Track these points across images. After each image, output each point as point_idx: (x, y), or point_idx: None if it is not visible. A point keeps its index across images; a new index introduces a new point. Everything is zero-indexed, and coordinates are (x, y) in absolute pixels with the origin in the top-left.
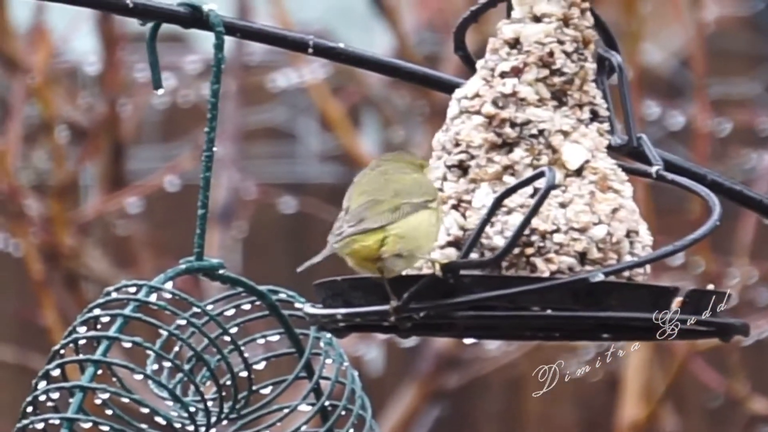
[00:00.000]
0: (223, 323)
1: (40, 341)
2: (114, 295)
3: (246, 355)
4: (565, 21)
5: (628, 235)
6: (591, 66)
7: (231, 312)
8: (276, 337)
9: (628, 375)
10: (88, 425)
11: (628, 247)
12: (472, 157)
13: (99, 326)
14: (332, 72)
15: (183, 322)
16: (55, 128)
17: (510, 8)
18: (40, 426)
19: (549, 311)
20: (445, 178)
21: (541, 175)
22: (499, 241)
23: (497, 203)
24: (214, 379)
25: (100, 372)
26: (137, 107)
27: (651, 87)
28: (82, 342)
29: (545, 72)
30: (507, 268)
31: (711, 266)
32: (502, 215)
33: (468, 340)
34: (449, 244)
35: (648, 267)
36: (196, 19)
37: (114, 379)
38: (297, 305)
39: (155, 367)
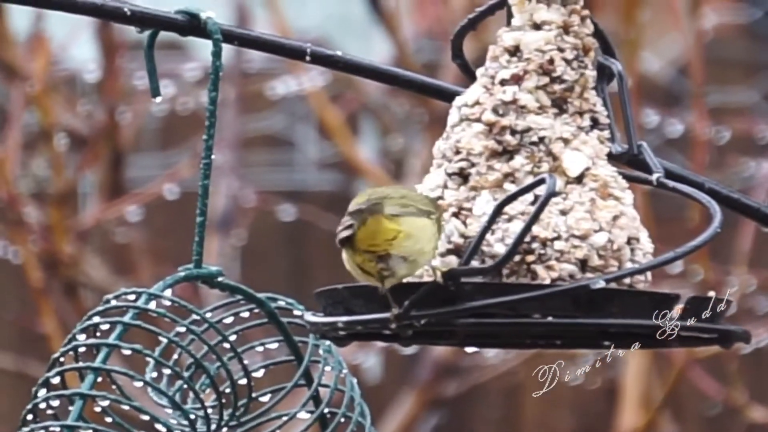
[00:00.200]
0: (222, 330)
1: (39, 348)
2: (113, 302)
3: (245, 362)
4: (566, 29)
5: (629, 242)
6: (591, 73)
7: (230, 320)
8: (275, 345)
9: (627, 382)
10: None
11: (629, 254)
12: (473, 165)
13: (98, 334)
14: (331, 80)
15: (182, 329)
16: (55, 136)
17: (510, 16)
18: None
19: (550, 318)
20: (445, 186)
21: (541, 182)
22: (500, 249)
23: (498, 211)
24: (214, 386)
25: (99, 379)
26: (136, 115)
27: (649, 95)
28: (81, 349)
29: (545, 80)
30: (508, 275)
31: (710, 274)
32: (503, 223)
33: (469, 349)
34: (450, 251)
35: (649, 274)
36: (194, 26)
37: (114, 387)
38: (297, 313)
39: (154, 374)
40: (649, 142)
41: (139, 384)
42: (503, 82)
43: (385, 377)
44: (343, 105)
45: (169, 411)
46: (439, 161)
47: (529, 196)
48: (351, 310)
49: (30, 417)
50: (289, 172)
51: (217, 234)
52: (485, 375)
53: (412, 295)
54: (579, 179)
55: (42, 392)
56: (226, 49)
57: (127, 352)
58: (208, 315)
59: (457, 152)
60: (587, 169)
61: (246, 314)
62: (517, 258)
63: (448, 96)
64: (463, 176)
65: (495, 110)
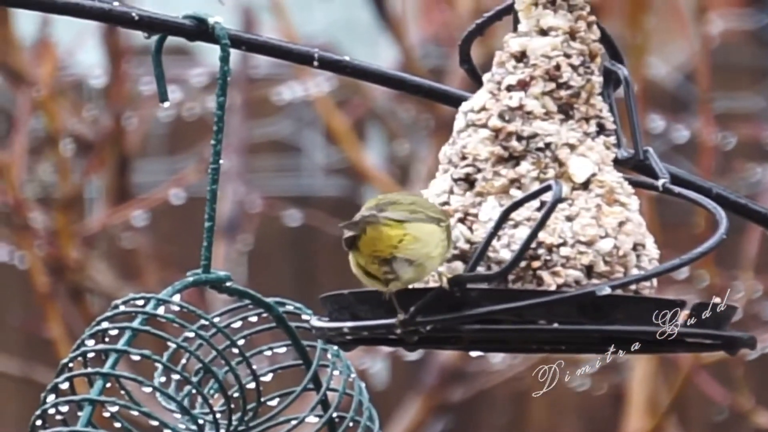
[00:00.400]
0: (230, 335)
1: (45, 354)
2: (122, 308)
3: (254, 367)
4: (572, 34)
5: (634, 248)
6: (597, 79)
7: (238, 324)
8: (283, 349)
9: (633, 388)
10: None
11: (635, 260)
12: (479, 171)
13: (107, 339)
14: (337, 85)
15: (191, 334)
16: (61, 141)
17: (516, 21)
18: None
19: (556, 325)
20: (451, 192)
21: (547, 188)
22: (506, 255)
23: (504, 217)
24: (223, 391)
25: (108, 385)
26: (143, 120)
27: (656, 101)
28: (90, 355)
29: (552, 85)
30: (514, 281)
31: (716, 280)
32: (509, 228)
33: (474, 353)
34: (456, 257)
35: (654, 280)
36: (202, 31)
37: (123, 392)
38: (305, 318)
39: (163, 379)
40: (656, 148)
41: (148, 389)
42: (510, 88)
43: (391, 382)
44: (350, 110)
45: (178, 416)
46: (445, 166)
47: (535, 202)
48: (357, 316)
49: (39, 422)
50: (295, 177)
51: (224, 239)
52: (492, 380)
53: (418, 300)
54: (585, 185)
55: (51, 398)
56: (233, 54)
57: (136, 358)
58: (216, 320)
59: (464, 158)
60: (593, 175)
61: (254, 319)
62: (522, 264)
63: (455, 101)
64: (469, 182)
65: (501, 116)
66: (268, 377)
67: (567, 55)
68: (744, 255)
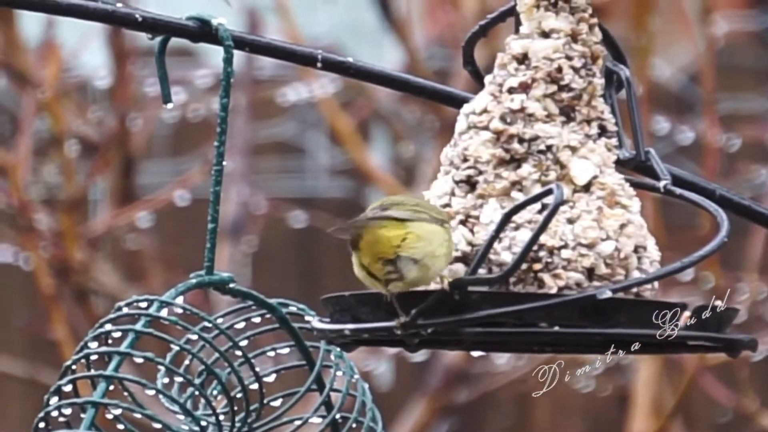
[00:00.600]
0: (233, 336)
1: (50, 355)
2: (125, 310)
3: (257, 368)
4: (574, 36)
5: (636, 250)
6: (599, 81)
7: (241, 325)
8: (286, 350)
9: (638, 389)
10: None
11: (636, 262)
12: (480, 173)
13: (110, 341)
14: (342, 87)
15: (194, 336)
16: (66, 142)
17: (518, 23)
18: None
19: (557, 328)
20: (452, 194)
21: (549, 192)
22: (507, 257)
23: (506, 220)
24: (225, 392)
25: (111, 387)
26: (147, 121)
27: (660, 102)
28: (93, 357)
29: (553, 88)
30: (515, 283)
31: (720, 282)
32: (510, 231)
33: (476, 353)
34: (457, 259)
35: (656, 283)
36: (205, 33)
37: (126, 394)
38: (308, 319)
39: (166, 380)
40: (660, 150)
41: (152, 392)
42: (511, 90)
43: (396, 384)
44: (354, 112)
45: (181, 418)
46: (447, 168)
47: (536, 204)
48: (358, 318)
49: (42, 425)
50: (300, 178)
51: (228, 240)
52: (496, 382)
53: (419, 303)
54: (586, 187)
55: (54, 400)
56: (237, 55)
57: (139, 360)
58: (219, 321)
59: (465, 160)
60: (595, 177)
61: (257, 320)
62: (524, 266)
63: (459, 103)
64: (470, 184)
65: (503, 118)
66: (272, 378)
67: (569, 58)
68: (749, 256)
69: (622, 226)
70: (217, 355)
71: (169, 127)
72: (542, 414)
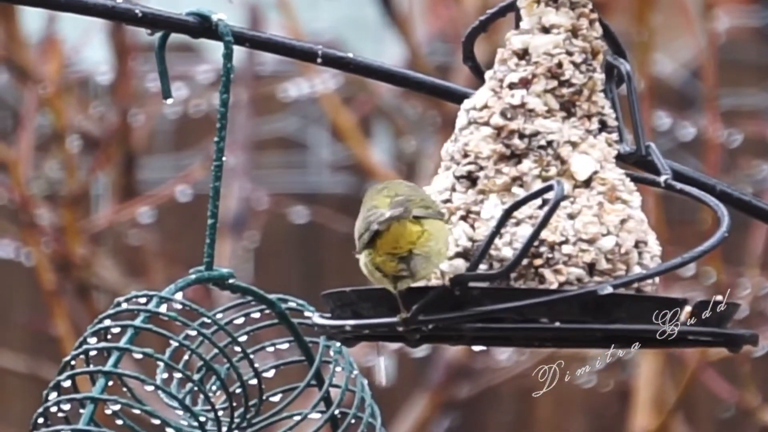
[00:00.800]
0: (232, 332)
1: (51, 351)
2: (124, 305)
3: (256, 364)
4: (574, 32)
5: (636, 245)
6: (599, 76)
7: (240, 320)
8: (285, 346)
9: (640, 385)
10: None
11: (637, 257)
12: (481, 168)
13: (109, 337)
14: (343, 82)
15: (193, 332)
16: (67, 138)
17: (519, 19)
18: None
19: (557, 323)
20: (453, 189)
21: (549, 188)
22: (508, 253)
23: (506, 215)
24: (224, 388)
25: (111, 383)
26: (149, 117)
27: (662, 98)
28: (92, 353)
29: (554, 83)
30: (516, 279)
31: (722, 277)
32: (511, 226)
33: (477, 348)
34: (458, 255)
35: (657, 278)
36: (205, 28)
37: (125, 390)
38: (308, 314)
39: (165, 375)
40: (662, 145)
41: (150, 387)
42: (512, 86)
43: (397, 379)
44: (356, 107)
45: (180, 413)
46: (447, 164)
47: (536, 200)
48: (359, 313)
49: (41, 420)
50: (301, 174)
51: (230, 236)
52: (498, 377)
53: (420, 299)
54: (587, 183)
55: (53, 395)
56: (239, 51)
57: (138, 356)
58: (219, 316)
59: (465, 155)
60: (595, 172)
61: (257, 315)
62: (524, 262)
63: (459, 98)
64: (471, 179)
65: (503, 114)
66: (271, 373)
67: (569, 53)
68: (750, 252)
69: (623, 222)
70: (216, 350)
71: (170, 122)
72: (544, 409)
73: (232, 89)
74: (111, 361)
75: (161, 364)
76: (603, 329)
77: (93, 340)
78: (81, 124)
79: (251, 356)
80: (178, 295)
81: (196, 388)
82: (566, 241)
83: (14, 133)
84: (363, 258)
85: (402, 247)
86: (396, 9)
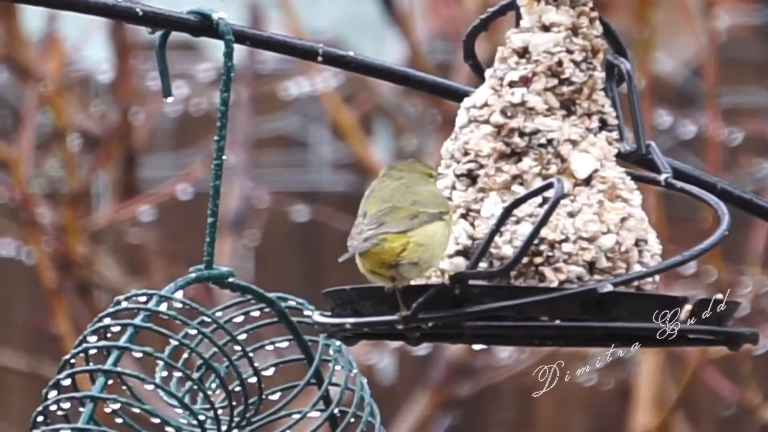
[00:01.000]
0: (232, 331)
1: (52, 349)
2: (124, 304)
3: (255, 363)
4: (574, 30)
5: (636, 243)
6: (600, 75)
7: (240, 319)
8: (285, 344)
9: (640, 383)
10: None
11: (637, 256)
12: (481, 167)
13: (109, 335)
14: (344, 80)
15: (192, 331)
16: (68, 137)
17: (519, 17)
18: None
19: (558, 321)
20: (453, 187)
21: (549, 186)
22: (508, 251)
23: (506, 213)
24: (224, 386)
25: (110, 382)
26: (150, 115)
27: (662, 96)
28: (92, 351)
29: (554, 81)
30: (516, 277)
31: (723, 275)
32: (511, 225)
33: (477, 346)
34: (458, 253)
35: (657, 276)
36: (206, 27)
37: (124, 388)
38: (307, 313)
39: (165, 373)
40: (663, 143)
41: (150, 386)
42: (512, 84)
43: (398, 377)
44: (357, 106)
45: (180, 411)
46: (448, 162)
47: (537, 198)
48: (359, 312)
49: (41, 419)
50: (302, 172)
51: (231, 234)
52: (498, 376)
53: (420, 296)
54: (587, 181)
55: (53, 394)
56: (240, 50)
57: (138, 354)
58: (219, 314)
59: (466, 153)
60: (595, 171)
61: (257, 313)
62: (525, 260)
63: (460, 96)
64: (471, 178)
65: (503, 112)
66: (270, 372)
67: (569, 51)
68: (751, 250)
69: (623, 220)
70: (215, 349)
71: (171, 121)
72: (545, 408)
73: (232, 88)
74: (111, 359)
75: (161, 362)
76: (603, 327)
77: (93, 339)
78: (82, 122)
79: (251, 355)
80: (178, 294)
81: (195, 387)
82: (566, 239)
83: (15, 131)
84: (357, 262)
85: (387, 259)
86: (397, 7)
